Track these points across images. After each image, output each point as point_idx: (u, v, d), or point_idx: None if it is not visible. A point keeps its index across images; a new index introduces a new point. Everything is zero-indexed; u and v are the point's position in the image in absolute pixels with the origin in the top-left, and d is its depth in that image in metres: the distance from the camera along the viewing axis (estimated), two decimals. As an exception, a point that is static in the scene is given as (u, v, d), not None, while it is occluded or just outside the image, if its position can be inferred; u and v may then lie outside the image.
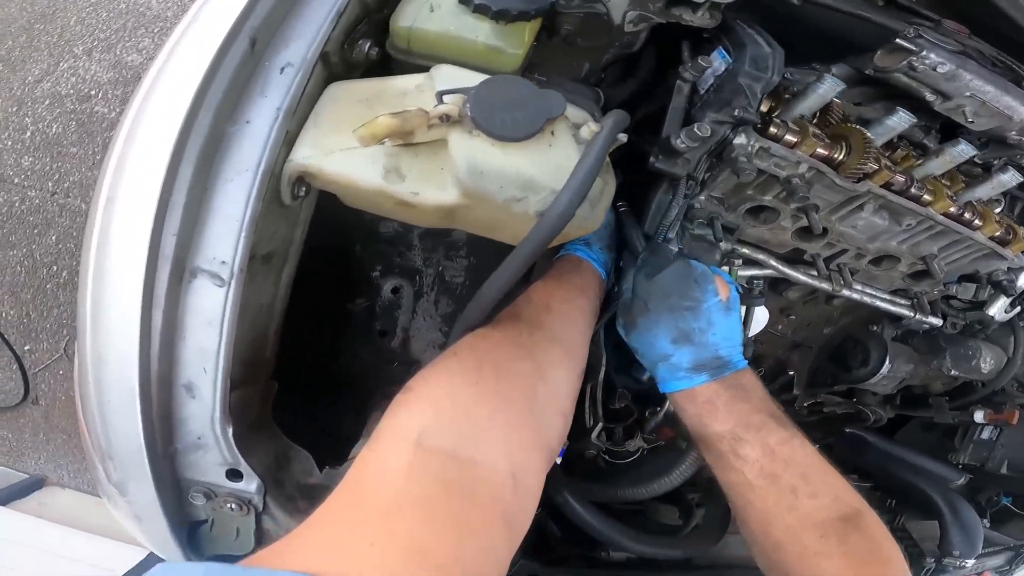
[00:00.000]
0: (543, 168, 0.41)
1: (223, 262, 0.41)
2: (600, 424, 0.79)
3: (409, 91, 0.45)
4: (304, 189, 0.45)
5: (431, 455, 0.38)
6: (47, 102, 2.42)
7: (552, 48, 0.64)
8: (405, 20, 0.53)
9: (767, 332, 1.06)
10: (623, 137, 0.43)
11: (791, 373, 1.17)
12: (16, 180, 2.25)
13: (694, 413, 0.64)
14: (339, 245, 0.69)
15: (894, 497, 1.23)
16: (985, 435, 1.19)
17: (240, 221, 0.41)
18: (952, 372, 1.08)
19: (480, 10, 0.50)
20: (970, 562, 1.08)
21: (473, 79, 0.44)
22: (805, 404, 1.22)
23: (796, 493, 0.61)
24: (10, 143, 2.33)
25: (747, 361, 0.66)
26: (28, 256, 2.13)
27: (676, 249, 0.69)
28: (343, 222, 0.51)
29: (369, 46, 0.53)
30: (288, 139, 0.44)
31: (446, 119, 0.40)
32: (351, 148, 0.42)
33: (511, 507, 0.39)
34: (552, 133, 0.42)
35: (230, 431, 0.43)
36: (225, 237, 0.42)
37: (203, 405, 0.43)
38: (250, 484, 0.47)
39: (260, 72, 0.46)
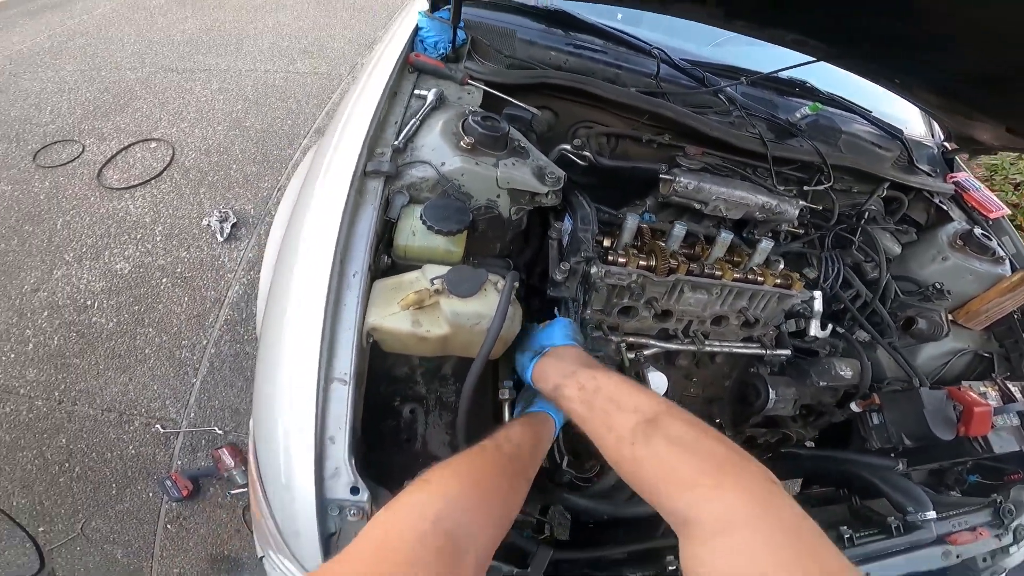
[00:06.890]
0: (485, 307, 1.01)
1: (345, 373, 0.97)
2: (567, 458, 1.30)
3: (413, 281, 1.06)
4: (371, 339, 1.03)
5: (438, 534, 0.62)
6: (46, 313, 2.75)
7: (477, 238, 1.26)
8: (401, 240, 1.15)
9: (686, 396, 1.53)
10: (516, 284, 1.04)
11: (718, 422, 1.59)
12: (22, 391, 2.50)
13: (540, 386, 0.98)
14: (370, 387, 1.14)
15: (847, 488, 1.55)
16: (876, 420, 1.48)
17: (351, 354, 0.98)
18: (821, 383, 1.50)
19: (438, 232, 1.12)
20: (930, 514, 1.34)
21: (443, 270, 1.05)
22: (741, 442, 1.54)
23: (608, 413, 0.76)
24: (13, 355, 2.60)
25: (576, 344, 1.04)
26: (39, 456, 2.35)
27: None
28: (373, 373, 1.02)
29: (385, 258, 1.14)
30: (361, 313, 1.02)
31: (438, 293, 1.00)
32: (394, 313, 1.00)
33: None
34: (485, 289, 1.03)
35: (353, 462, 0.94)
36: (344, 359, 0.97)
37: (339, 448, 0.93)
38: (363, 496, 0.94)
39: (343, 277, 1.04)
